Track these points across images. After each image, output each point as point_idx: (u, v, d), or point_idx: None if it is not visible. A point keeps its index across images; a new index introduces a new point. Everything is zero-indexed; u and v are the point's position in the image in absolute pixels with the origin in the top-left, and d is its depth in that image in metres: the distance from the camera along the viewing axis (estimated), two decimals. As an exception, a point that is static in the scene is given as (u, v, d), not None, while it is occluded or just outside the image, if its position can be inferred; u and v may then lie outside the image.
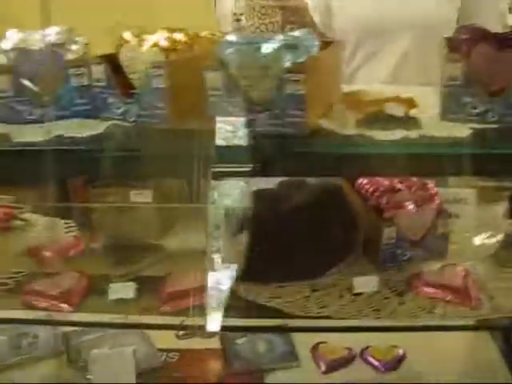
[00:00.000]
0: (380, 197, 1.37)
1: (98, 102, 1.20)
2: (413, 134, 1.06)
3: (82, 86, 1.19)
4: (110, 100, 1.19)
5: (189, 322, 1.26)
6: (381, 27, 2.04)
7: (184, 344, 1.70)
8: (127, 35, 1.21)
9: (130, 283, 1.32)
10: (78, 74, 1.18)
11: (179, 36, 1.18)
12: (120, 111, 1.18)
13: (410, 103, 1.20)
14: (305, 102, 1.05)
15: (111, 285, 1.30)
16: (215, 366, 1.75)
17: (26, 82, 1.15)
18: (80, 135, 1.12)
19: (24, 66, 1.18)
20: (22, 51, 1.16)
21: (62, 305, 1.28)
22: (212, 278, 1.35)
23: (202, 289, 1.30)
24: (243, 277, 1.34)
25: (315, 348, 1.74)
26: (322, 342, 1.72)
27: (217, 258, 1.41)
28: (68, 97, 1.19)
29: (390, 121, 1.10)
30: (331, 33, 2.09)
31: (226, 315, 1.28)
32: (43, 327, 1.67)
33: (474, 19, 1.82)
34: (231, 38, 1.10)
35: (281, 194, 1.35)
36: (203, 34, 1.24)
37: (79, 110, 1.20)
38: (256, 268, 1.33)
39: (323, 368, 1.65)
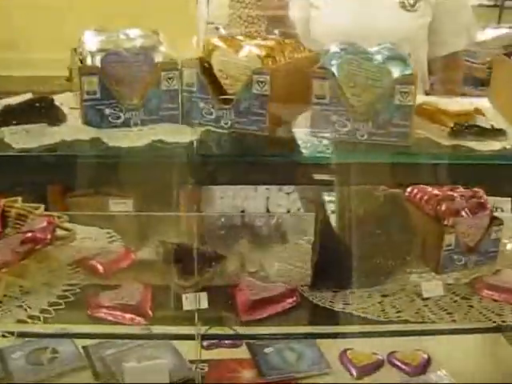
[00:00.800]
0: (437, 205, 1.43)
1: (187, 107, 1.18)
2: (506, 144, 1.13)
3: (172, 89, 1.17)
4: (201, 105, 1.17)
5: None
6: (356, 39, 2.11)
7: (208, 354, 1.68)
8: (216, 40, 1.20)
9: (203, 293, 1.29)
10: (170, 78, 1.15)
11: (272, 43, 1.18)
12: (212, 117, 1.17)
13: (480, 113, 1.26)
14: (411, 113, 1.09)
15: (185, 295, 1.26)
16: (248, 376, 1.73)
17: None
18: (178, 140, 1.10)
19: (113, 68, 1.13)
20: (111, 53, 1.12)
21: (137, 318, 1.23)
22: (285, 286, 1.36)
23: (280, 296, 1.31)
24: (315, 284, 1.35)
25: (343, 354, 1.76)
26: (348, 349, 1.75)
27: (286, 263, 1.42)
28: (157, 100, 1.16)
29: (481, 132, 1.16)
30: (309, 44, 2.16)
31: (303, 323, 1.29)
32: (62, 341, 1.60)
33: (442, 34, 1.95)
34: (337, 47, 1.12)
35: (346, 202, 1.37)
36: (287, 41, 1.24)
37: (166, 114, 1.17)
38: (327, 275, 1.35)
39: (355, 374, 1.68)
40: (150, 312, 1.25)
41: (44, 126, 1.14)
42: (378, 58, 1.07)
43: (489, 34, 3.55)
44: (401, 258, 1.40)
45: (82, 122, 1.13)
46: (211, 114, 1.16)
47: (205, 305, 1.28)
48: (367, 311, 1.28)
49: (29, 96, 1.22)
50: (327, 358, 1.74)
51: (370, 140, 1.11)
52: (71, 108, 1.26)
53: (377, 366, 1.72)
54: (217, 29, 2.95)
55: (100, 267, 1.39)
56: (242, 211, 2.63)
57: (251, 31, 2.81)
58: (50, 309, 1.26)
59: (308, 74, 1.12)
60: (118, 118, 1.15)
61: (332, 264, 1.34)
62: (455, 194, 1.47)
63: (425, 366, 1.68)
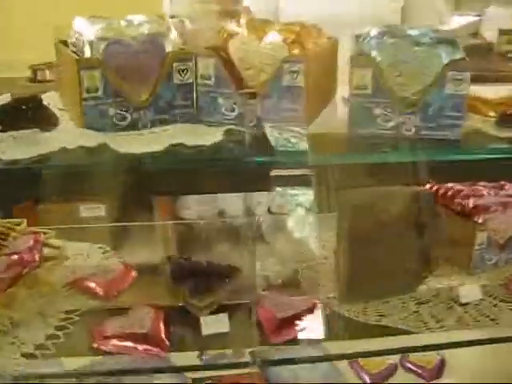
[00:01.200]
0: (465, 202, 1.33)
1: (203, 104, 1.02)
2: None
3: (186, 83, 1.00)
4: (220, 101, 1.01)
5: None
6: (327, 25, 2.03)
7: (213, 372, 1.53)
8: (233, 26, 1.04)
9: (222, 315, 1.14)
10: (183, 70, 0.99)
11: (296, 27, 1.03)
12: (235, 114, 1.01)
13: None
14: (465, 103, 0.97)
15: (203, 318, 1.11)
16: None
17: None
18: (200, 143, 0.94)
19: (117, 60, 0.95)
20: (114, 42, 0.94)
21: (153, 348, 1.07)
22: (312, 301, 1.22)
23: (308, 312, 1.17)
24: (344, 297, 1.22)
25: (354, 362, 1.66)
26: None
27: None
28: (168, 97, 0.99)
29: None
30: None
31: (336, 339, 1.16)
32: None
33: (415, 19, 1.87)
34: (375, 30, 0.98)
35: (374, 204, 1.25)
36: (310, 25, 1.10)
37: (180, 113, 1.00)
38: (356, 286, 1.22)
39: (368, 381, 1.58)
40: (166, 340, 1.10)
41: (36, 131, 0.96)
42: (425, 41, 0.95)
43: (456, 21, 3.53)
44: (432, 261, 1.30)
45: (82, 126, 0.96)
46: (233, 110, 1.02)
47: (226, 328, 1.14)
48: (406, 322, 1.17)
49: (7, 97, 1.04)
50: (338, 366, 1.65)
51: (416, 135, 0.99)
52: (60, 109, 1.09)
53: (390, 371, 1.62)
54: (182, 22, 2.80)
55: (99, 289, 1.21)
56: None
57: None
58: (47, 343, 1.08)
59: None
60: (124, 118, 0.98)
61: (362, 273, 1.22)
62: (483, 190, 1.37)
63: (440, 368, 1.61)
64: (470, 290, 1.24)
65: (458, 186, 1.40)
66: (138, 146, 0.92)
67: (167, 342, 1.09)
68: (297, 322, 1.14)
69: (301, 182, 0.99)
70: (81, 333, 1.10)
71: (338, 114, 1.09)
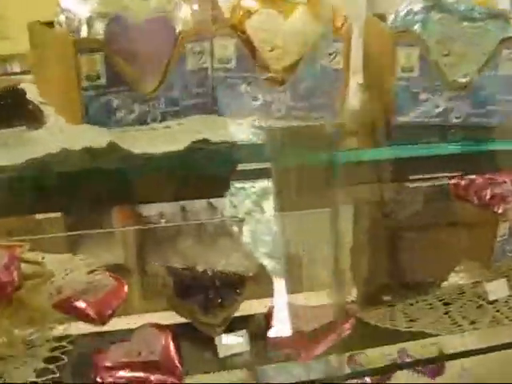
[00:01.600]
0: (482, 192, 1.25)
1: (221, 91, 0.87)
2: None
3: (201, 68, 0.85)
4: (242, 87, 0.87)
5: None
6: None
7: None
8: (251, 2, 0.89)
9: (241, 332, 1.00)
10: (198, 52, 0.84)
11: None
12: (259, 103, 0.87)
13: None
14: (520, 86, 0.87)
15: (219, 339, 0.97)
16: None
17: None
18: (225, 139, 0.80)
19: (121, 41, 0.79)
20: (117, 18, 0.78)
21: (168, 378, 0.92)
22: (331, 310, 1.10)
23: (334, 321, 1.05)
24: (367, 301, 1.12)
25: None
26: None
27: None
28: (180, 85, 0.83)
29: None
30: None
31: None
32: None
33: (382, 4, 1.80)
34: (418, 4, 0.86)
35: (393, 200, 1.14)
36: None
37: (194, 103, 0.85)
38: (378, 288, 1.12)
39: (369, 380, 1.50)
40: (180, 367, 0.96)
41: (22, 130, 0.79)
42: (475, 16, 0.85)
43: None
44: (454, 257, 1.22)
45: (78, 121, 0.79)
46: (257, 99, 0.88)
47: (245, 347, 1.01)
48: (439, 327, 1.08)
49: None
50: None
51: (465, 122, 0.89)
52: (41, 103, 0.91)
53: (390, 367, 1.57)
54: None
55: (90, 310, 1.05)
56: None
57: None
58: (38, 381, 0.92)
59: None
60: (132, 111, 0.82)
61: (384, 273, 1.12)
62: (499, 179, 1.30)
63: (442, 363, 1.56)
64: (497, 286, 1.17)
65: (472, 177, 1.33)
66: (155, 144, 0.77)
67: (181, 369, 0.96)
68: (324, 334, 1.03)
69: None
70: (78, 365, 0.94)
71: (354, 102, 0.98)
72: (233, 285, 1.08)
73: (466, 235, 1.24)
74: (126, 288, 1.13)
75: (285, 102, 0.85)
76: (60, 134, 0.77)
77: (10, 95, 0.78)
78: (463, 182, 1.30)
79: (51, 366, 0.92)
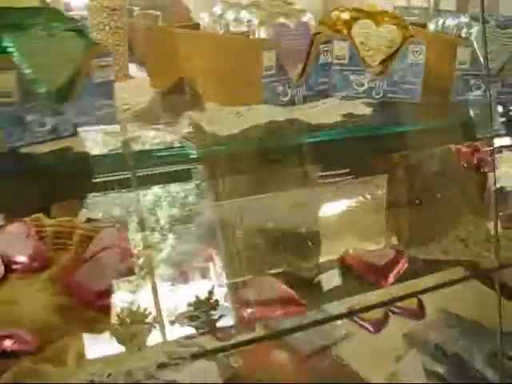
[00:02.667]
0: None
1: (336, 80, 1.13)
2: None
3: (327, 63, 1.10)
4: (352, 77, 1.13)
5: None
6: None
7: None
8: (350, 13, 1.16)
9: (332, 271, 1.25)
10: (326, 51, 1.09)
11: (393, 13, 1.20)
12: (364, 88, 1.14)
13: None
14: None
15: (321, 277, 1.21)
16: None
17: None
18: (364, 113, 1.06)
19: (282, 42, 1.02)
20: (280, 25, 1.00)
21: (296, 308, 1.13)
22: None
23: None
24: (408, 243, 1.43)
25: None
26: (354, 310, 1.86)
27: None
28: (315, 75, 1.09)
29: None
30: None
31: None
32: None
33: None
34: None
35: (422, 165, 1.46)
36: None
37: (320, 89, 1.11)
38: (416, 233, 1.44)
39: (373, 329, 1.80)
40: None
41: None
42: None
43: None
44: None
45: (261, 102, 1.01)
46: (362, 85, 1.16)
47: (339, 281, 1.27)
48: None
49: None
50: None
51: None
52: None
53: (386, 317, 1.89)
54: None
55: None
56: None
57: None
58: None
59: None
60: (286, 94, 1.06)
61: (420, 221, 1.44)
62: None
63: (423, 308, 1.89)
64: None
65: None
66: (318, 118, 1.02)
67: (303, 302, 1.19)
68: (390, 267, 1.33)
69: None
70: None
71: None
72: (305, 238, 1.35)
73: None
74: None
75: (383, 88, 1.15)
76: (248, 112, 0.99)
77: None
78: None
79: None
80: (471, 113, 1.20)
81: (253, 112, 0.99)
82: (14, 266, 1.21)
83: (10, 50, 0.86)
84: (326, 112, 1.05)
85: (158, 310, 1.04)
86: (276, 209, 1.42)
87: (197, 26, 1.15)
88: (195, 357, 1.02)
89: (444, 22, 1.25)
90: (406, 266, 1.35)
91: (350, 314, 1.49)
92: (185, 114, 0.93)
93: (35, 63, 0.86)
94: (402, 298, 1.43)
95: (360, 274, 1.32)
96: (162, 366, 0.99)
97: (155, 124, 0.93)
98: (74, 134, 0.90)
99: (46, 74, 0.87)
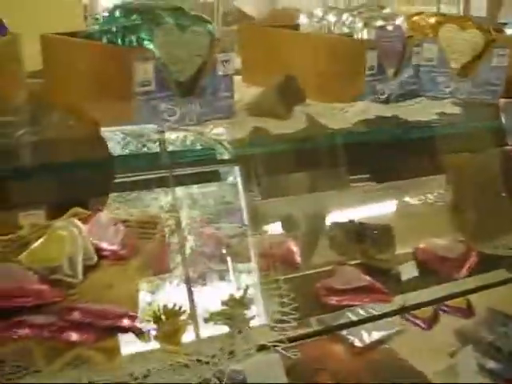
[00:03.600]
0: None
1: (425, 81, 1.20)
2: None
3: (417, 65, 1.17)
4: (440, 79, 1.20)
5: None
6: None
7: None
8: (436, 17, 1.23)
9: (410, 263, 1.31)
10: (417, 53, 1.16)
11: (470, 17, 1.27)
12: (449, 89, 1.21)
13: None
14: None
15: (400, 268, 1.27)
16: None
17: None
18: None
19: (382, 44, 1.09)
20: (381, 28, 1.07)
21: (380, 296, 1.19)
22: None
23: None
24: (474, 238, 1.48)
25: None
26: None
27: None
28: (407, 76, 1.15)
29: None
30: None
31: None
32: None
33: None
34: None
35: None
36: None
37: (411, 88, 1.18)
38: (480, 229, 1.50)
39: (426, 326, 1.84)
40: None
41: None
42: None
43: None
44: None
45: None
46: (449, 86, 1.22)
47: (416, 272, 1.32)
48: None
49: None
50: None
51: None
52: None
53: (436, 315, 1.93)
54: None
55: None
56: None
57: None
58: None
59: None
60: (383, 93, 1.13)
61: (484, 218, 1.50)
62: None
63: (472, 307, 1.86)
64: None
65: None
66: (412, 115, 1.08)
67: (386, 290, 1.25)
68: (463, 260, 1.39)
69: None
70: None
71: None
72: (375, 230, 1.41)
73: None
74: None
75: (467, 89, 1.21)
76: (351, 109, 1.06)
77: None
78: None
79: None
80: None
81: (357, 108, 1.05)
82: (105, 253, 1.28)
83: (147, 42, 0.93)
84: (421, 110, 1.11)
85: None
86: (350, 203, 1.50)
87: (296, 26, 1.23)
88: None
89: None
90: (476, 259, 1.42)
91: (401, 310, 1.56)
92: (296, 108, 1.00)
93: (169, 55, 0.93)
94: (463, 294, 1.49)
95: (433, 267, 1.39)
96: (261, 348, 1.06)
97: (268, 117, 0.99)
98: (198, 123, 0.96)
99: (178, 65, 0.94)
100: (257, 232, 1.36)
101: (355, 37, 1.10)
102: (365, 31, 1.09)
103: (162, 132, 0.93)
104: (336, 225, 1.43)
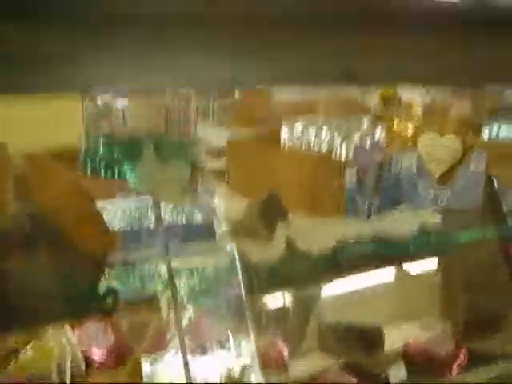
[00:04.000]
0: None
1: (405, 190, 1.22)
2: None
3: (397, 173, 1.20)
4: (420, 188, 1.23)
5: None
6: None
7: None
8: (416, 124, 1.27)
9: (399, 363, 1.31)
10: (396, 162, 1.19)
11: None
12: (429, 198, 1.23)
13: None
14: None
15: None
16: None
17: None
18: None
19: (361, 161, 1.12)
20: (359, 148, 1.11)
21: None
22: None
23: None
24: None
25: None
26: None
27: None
28: (388, 187, 1.19)
29: None
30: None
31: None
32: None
33: None
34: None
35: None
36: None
37: (392, 198, 1.21)
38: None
39: None
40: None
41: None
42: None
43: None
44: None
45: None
46: (428, 194, 1.25)
47: (405, 376, 1.32)
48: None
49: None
50: None
51: None
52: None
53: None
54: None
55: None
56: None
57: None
58: None
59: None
60: (364, 207, 1.16)
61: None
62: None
63: None
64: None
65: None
66: (397, 229, 1.11)
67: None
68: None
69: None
70: None
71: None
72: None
73: None
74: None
75: (446, 196, 1.24)
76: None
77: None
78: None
79: None
80: None
81: (337, 224, 1.08)
82: (93, 360, 1.28)
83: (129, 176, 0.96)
84: (401, 222, 1.14)
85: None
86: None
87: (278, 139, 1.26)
88: None
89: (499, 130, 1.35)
90: (466, 357, 1.41)
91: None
92: (278, 228, 1.02)
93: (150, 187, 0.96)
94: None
95: (423, 366, 1.38)
96: None
97: (250, 237, 1.01)
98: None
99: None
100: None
101: (334, 153, 1.14)
102: (343, 148, 1.13)
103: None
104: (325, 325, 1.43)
